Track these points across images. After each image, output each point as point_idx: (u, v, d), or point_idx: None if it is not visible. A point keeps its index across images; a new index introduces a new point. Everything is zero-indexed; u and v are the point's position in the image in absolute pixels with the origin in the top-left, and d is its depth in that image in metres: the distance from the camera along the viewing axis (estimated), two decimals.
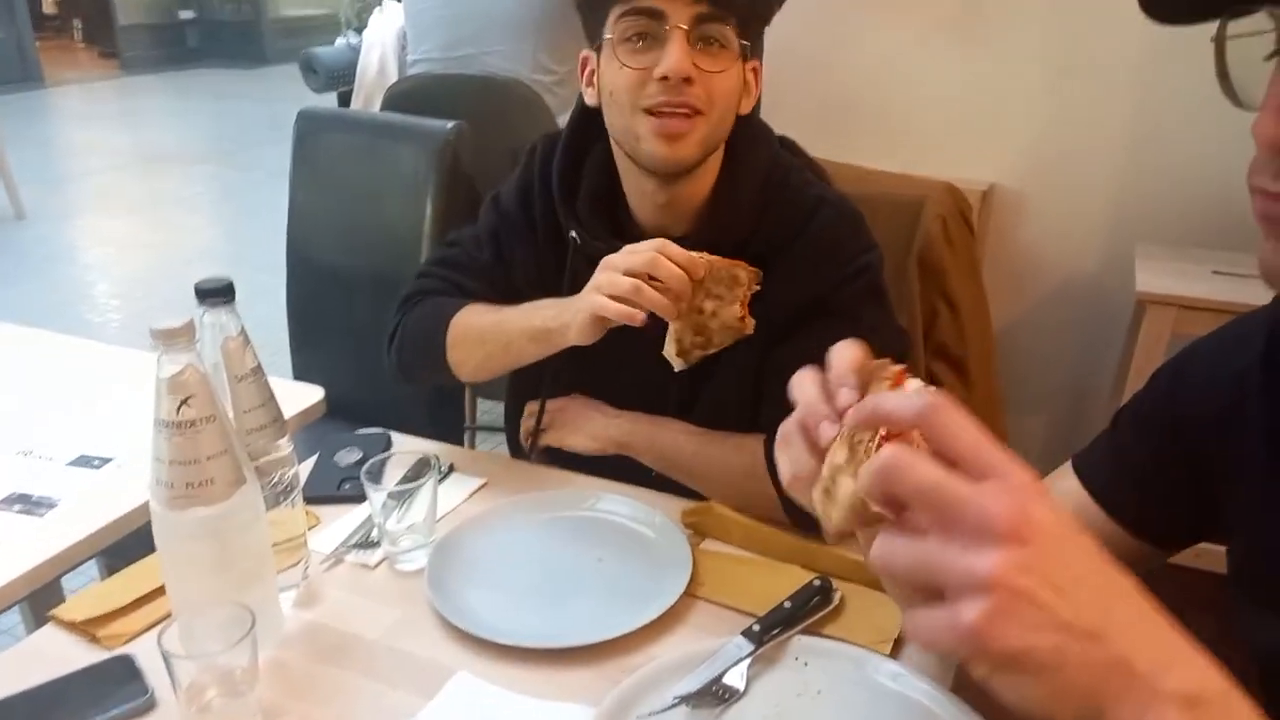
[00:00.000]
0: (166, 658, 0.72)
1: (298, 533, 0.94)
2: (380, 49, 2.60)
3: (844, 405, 0.54)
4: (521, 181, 1.24)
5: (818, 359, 0.60)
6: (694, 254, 0.97)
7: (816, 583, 0.91)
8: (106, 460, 1.16)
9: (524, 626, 0.89)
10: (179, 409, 0.75)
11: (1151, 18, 0.51)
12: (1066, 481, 0.80)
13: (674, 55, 1.02)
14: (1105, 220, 2.17)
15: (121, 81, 9.86)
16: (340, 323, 1.86)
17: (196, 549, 0.78)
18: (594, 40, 1.12)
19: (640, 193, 1.14)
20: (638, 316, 0.96)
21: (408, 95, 2.02)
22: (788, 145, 1.25)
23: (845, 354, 0.57)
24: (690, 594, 0.93)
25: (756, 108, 1.16)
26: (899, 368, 0.56)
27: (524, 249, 1.23)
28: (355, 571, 0.99)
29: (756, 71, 1.13)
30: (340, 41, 3.01)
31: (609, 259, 1.00)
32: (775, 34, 2.24)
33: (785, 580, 0.93)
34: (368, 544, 1.02)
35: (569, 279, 1.15)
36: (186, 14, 10.81)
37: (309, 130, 1.87)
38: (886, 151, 1.92)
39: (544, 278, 1.19)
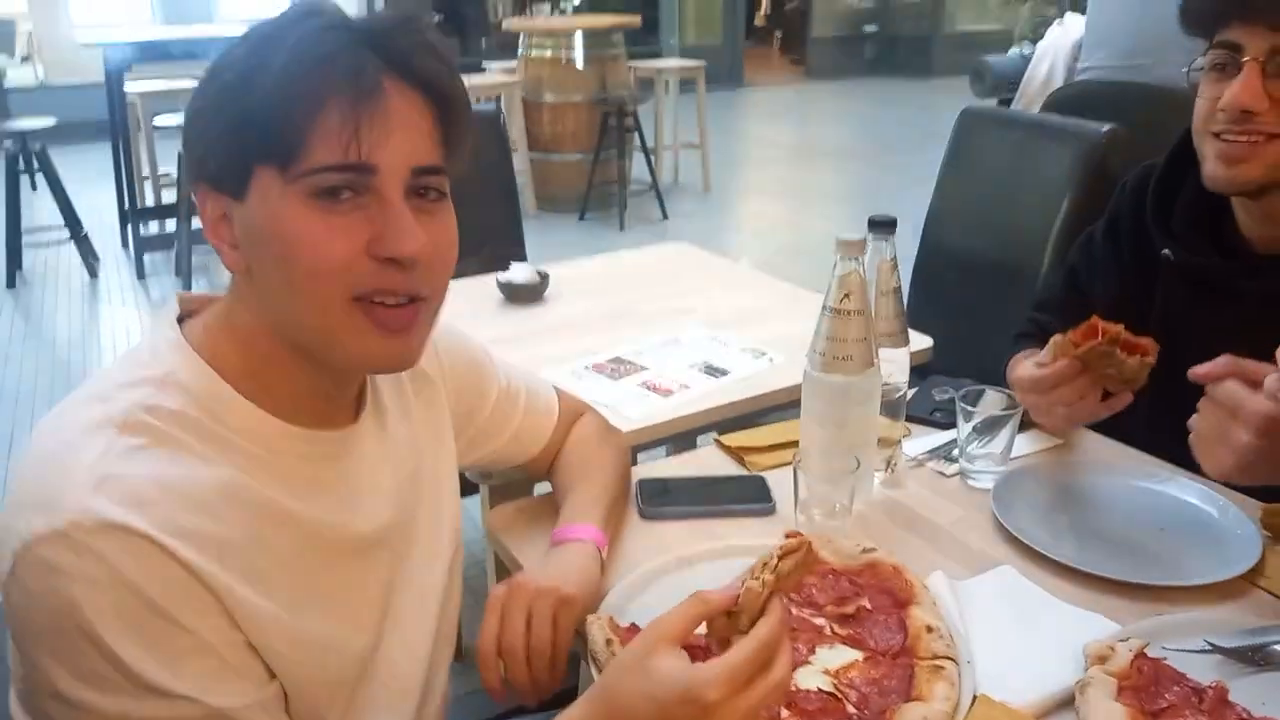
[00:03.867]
0: (796, 474, 1.01)
1: (895, 426, 1.17)
2: (1051, 58, 2.70)
3: None
4: (1110, 215, 1.32)
5: None
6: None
7: None
8: (764, 355, 1.56)
9: (1071, 549, 1.01)
10: (842, 300, 1.02)
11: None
12: None
13: (1236, 87, 1.04)
14: None
15: (804, 86, 11.17)
16: (955, 300, 2.06)
17: (829, 406, 1.05)
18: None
19: (1239, 204, 1.15)
20: None
21: (1069, 100, 2.12)
22: None
23: None
24: (1249, 580, 0.96)
25: None
26: None
27: (1104, 282, 1.31)
28: (933, 475, 1.19)
29: None
30: (1013, 51, 3.17)
31: None
32: None
33: None
34: (948, 458, 1.21)
35: (1161, 299, 1.20)
36: (870, 28, 11.79)
37: (969, 126, 2.08)
38: None
39: (1123, 305, 1.23)
